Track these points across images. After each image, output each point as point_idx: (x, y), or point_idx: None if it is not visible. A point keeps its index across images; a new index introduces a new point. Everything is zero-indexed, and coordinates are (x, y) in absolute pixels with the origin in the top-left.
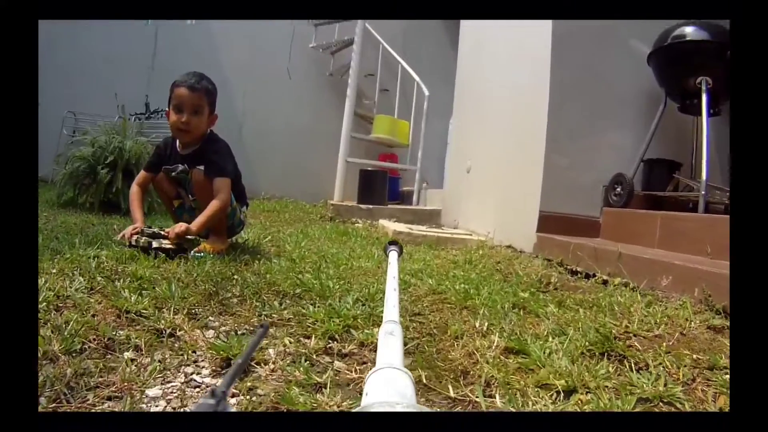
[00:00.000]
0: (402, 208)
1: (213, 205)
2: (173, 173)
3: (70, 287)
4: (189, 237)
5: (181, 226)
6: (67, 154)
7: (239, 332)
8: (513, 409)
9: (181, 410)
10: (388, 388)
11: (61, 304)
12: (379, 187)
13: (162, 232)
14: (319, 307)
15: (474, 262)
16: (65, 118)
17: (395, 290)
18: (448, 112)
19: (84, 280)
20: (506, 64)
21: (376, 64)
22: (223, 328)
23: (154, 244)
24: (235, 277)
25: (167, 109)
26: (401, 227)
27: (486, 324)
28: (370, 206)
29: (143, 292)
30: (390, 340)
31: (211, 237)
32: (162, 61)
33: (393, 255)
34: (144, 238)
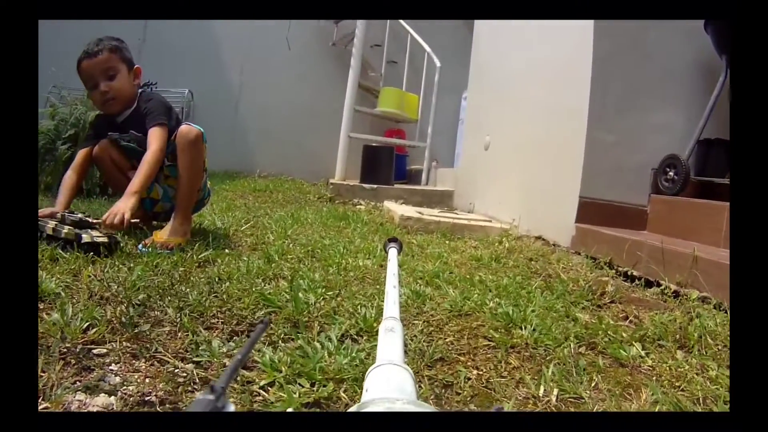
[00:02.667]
0: (410, 189)
1: (147, 156)
2: (122, 142)
3: None
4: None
5: (117, 212)
6: None
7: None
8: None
9: (181, 409)
10: (389, 384)
11: None
12: (385, 164)
13: (89, 220)
14: (283, 347)
15: (502, 259)
16: (49, 96)
17: (395, 287)
18: (460, 86)
19: None
20: (536, 34)
21: (383, 34)
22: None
23: (84, 237)
24: (175, 288)
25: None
26: (410, 211)
27: (554, 393)
28: (375, 186)
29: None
30: (390, 337)
31: (170, 223)
32: (154, 33)
33: (393, 252)
34: (67, 228)
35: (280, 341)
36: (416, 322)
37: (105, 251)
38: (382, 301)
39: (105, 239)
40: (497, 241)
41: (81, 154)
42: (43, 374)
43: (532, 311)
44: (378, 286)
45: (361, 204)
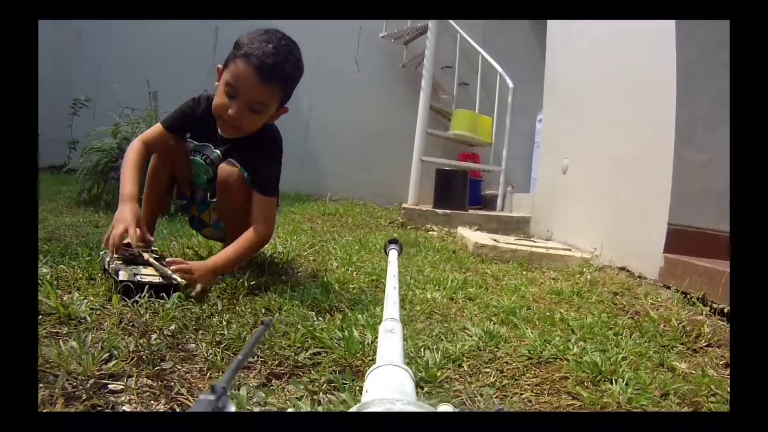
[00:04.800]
0: (485, 215)
1: (255, 237)
2: (201, 156)
3: None
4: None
5: (195, 280)
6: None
7: None
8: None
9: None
10: (388, 385)
11: None
12: (459, 189)
13: (145, 255)
14: (324, 401)
15: (584, 294)
16: (111, 114)
17: (395, 288)
18: (534, 107)
19: None
20: (612, 46)
21: (453, 55)
22: None
23: (140, 278)
24: (214, 319)
25: (220, 66)
26: (484, 238)
27: None
28: (448, 211)
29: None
30: (390, 338)
31: (223, 248)
32: (224, 56)
33: (393, 253)
34: (116, 262)
35: (321, 392)
36: (487, 370)
37: (161, 291)
38: (449, 343)
39: (158, 279)
40: (578, 272)
41: (158, 130)
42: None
43: (623, 359)
44: (446, 324)
45: (433, 230)
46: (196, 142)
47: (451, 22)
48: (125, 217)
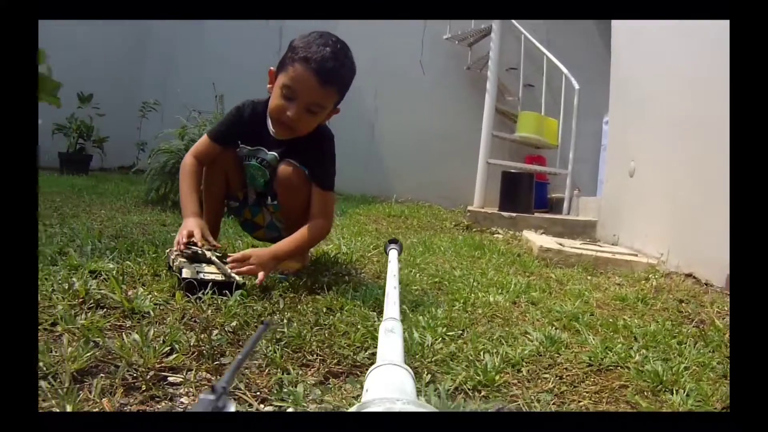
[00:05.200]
0: (550, 218)
1: (315, 230)
2: (256, 160)
3: None
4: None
5: (255, 269)
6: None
7: None
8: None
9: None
10: (389, 384)
11: None
12: (525, 192)
13: (208, 254)
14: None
15: (649, 300)
16: (179, 117)
17: (395, 288)
18: (601, 109)
19: None
20: (679, 46)
21: (517, 56)
22: None
23: (203, 275)
24: (275, 317)
25: (273, 69)
26: (549, 242)
27: None
28: (514, 214)
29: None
30: (390, 338)
31: None
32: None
33: (393, 253)
34: (180, 260)
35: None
36: (546, 376)
37: (223, 289)
38: (510, 347)
39: (220, 277)
40: (643, 278)
41: (207, 143)
42: (100, 400)
43: (685, 369)
44: (508, 328)
45: (498, 233)
46: (249, 147)
47: (515, 22)
48: (190, 225)
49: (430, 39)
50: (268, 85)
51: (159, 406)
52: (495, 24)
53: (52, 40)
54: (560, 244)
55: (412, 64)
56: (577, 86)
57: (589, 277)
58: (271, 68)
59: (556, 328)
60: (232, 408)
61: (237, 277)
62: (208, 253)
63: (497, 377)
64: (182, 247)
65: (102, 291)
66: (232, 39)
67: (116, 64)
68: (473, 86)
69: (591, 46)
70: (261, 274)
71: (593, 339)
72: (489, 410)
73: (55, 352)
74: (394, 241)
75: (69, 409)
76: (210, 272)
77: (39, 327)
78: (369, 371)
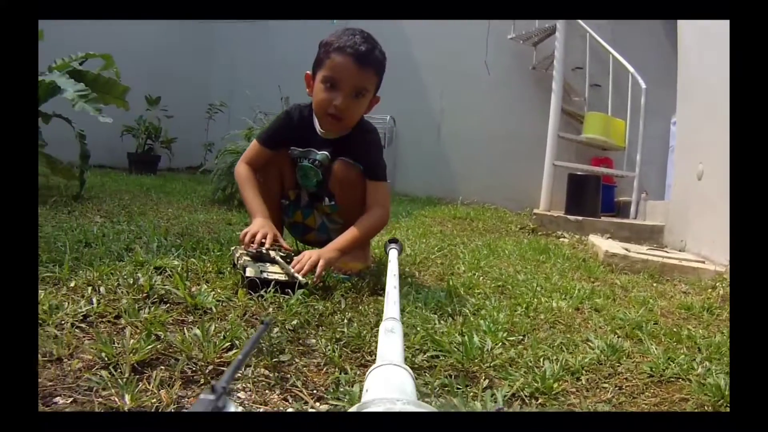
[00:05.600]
0: (617, 222)
1: (374, 218)
2: (307, 160)
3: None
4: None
5: (314, 266)
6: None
7: None
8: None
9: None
10: (388, 384)
11: None
12: (591, 195)
13: (272, 253)
14: (436, 404)
15: (715, 310)
16: (245, 119)
17: (395, 288)
18: (669, 109)
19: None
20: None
21: (583, 55)
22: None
23: (266, 275)
24: (336, 317)
25: (309, 73)
26: (615, 247)
27: None
28: (580, 218)
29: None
30: (390, 338)
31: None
32: None
33: (393, 253)
34: (244, 258)
35: (433, 395)
36: (606, 385)
37: (287, 287)
38: (570, 354)
39: (283, 277)
40: (710, 287)
41: (257, 149)
42: (158, 391)
43: None
44: (569, 335)
45: (564, 237)
46: (300, 149)
47: (580, 21)
48: (261, 225)
49: (495, 39)
50: (307, 90)
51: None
52: (559, 23)
53: (121, 45)
54: (626, 250)
55: (477, 64)
56: (644, 86)
57: (654, 284)
58: (307, 72)
59: (618, 337)
60: (231, 408)
61: (300, 277)
62: (272, 253)
63: (555, 385)
64: (250, 246)
65: (166, 286)
66: (297, 40)
67: (184, 67)
68: (539, 86)
69: (657, 45)
70: (321, 263)
71: (656, 349)
72: (489, 410)
73: (118, 343)
74: (394, 240)
75: (127, 399)
76: (273, 272)
77: (103, 319)
78: (369, 371)
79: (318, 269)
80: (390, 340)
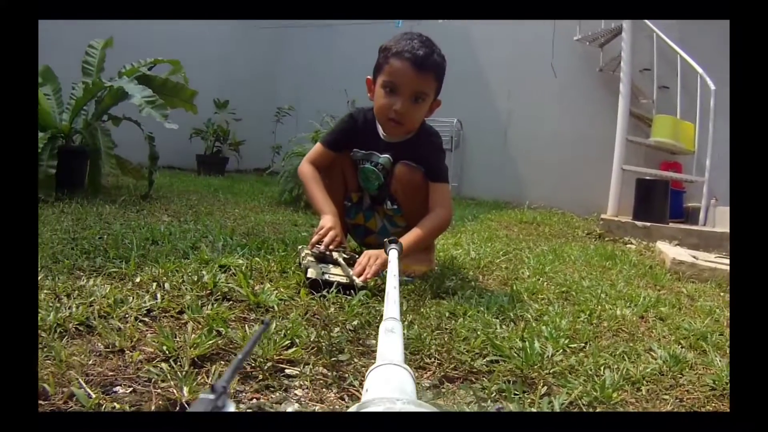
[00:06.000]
0: (685, 229)
1: (437, 219)
2: (369, 163)
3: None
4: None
5: (372, 271)
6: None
7: None
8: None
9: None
10: (389, 384)
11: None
12: (660, 200)
13: (335, 255)
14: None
15: None
16: (312, 122)
17: (396, 288)
18: None
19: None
20: None
21: (650, 56)
22: None
23: (328, 276)
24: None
25: (370, 77)
26: (683, 254)
27: None
28: (648, 224)
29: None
30: (390, 337)
31: (414, 254)
32: None
33: (393, 253)
34: (308, 259)
35: (489, 400)
36: (666, 397)
37: (347, 289)
38: (632, 363)
39: (344, 279)
40: None
41: (321, 151)
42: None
43: None
44: (632, 344)
45: (631, 243)
46: (362, 152)
47: (647, 21)
48: (330, 223)
49: (561, 40)
50: (369, 94)
51: (273, 396)
52: (625, 23)
53: (191, 50)
54: (694, 257)
55: (544, 66)
56: (713, 87)
57: (722, 294)
58: (368, 77)
59: (682, 347)
60: (231, 408)
61: (359, 281)
62: (336, 255)
63: (615, 395)
64: (315, 247)
65: (230, 284)
66: (363, 43)
67: (253, 71)
68: (606, 88)
69: (726, 44)
70: (377, 265)
71: (720, 361)
72: (489, 410)
73: (179, 338)
74: (394, 241)
75: (185, 390)
76: (335, 274)
77: (166, 314)
78: (369, 371)
79: (372, 270)
80: (390, 340)
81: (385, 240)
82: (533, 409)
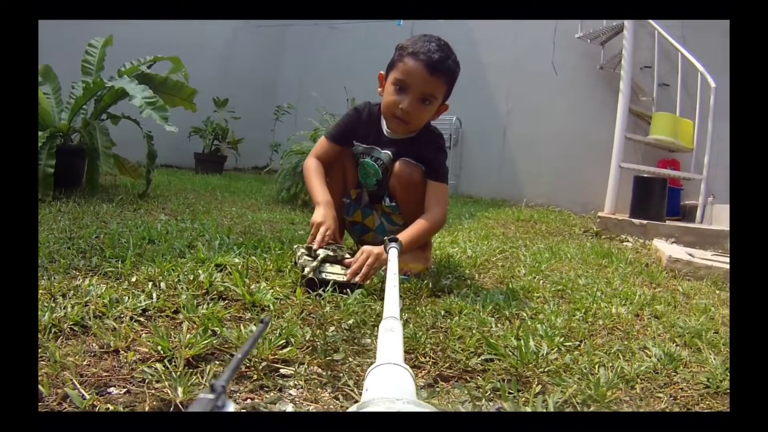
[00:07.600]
0: (682, 226)
1: (429, 220)
2: (369, 158)
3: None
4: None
5: (369, 270)
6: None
7: None
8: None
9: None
10: (388, 383)
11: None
12: (657, 198)
13: (332, 252)
14: (487, 409)
15: None
16: (311, 120)
17: (395, 287)
18: None
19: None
20: None
21: (652, 54)
22: None
23: (325, 275)
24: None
25: (383, 73)
26: (679, 252)
27: None
28: (644, 222)
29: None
30: (390, 337)
31: (411, 252)
32: None
33: (393, 252)
34: (304, 258)
35: (484, 399)
36: (660, 395)
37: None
38: (626, 361)
39: (341, 278)
40: None
41: (326, 144)
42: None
43: None
44: (627, 342)
45: (628, 241)
46: (364, 145)
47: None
48: (322, 215)
49: (562, 38)
50: (379, 89)
51: (267, 396)
52: (627, 21)
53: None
54: (690, 255)
55: (544, 65)
56: (713, 84)
57: (717, 292)
58: (381, 72)
59: (676, 345)
60: (231, 407)
61: (356, 280)
62: (332, 253)
63: (609, 393)
64: (311, 245)
65: (225, 283)
66: (363, 42)
67: (253, 69)
68: (607, 86)
69: (727, 42)
70: (375, 262)
71: (714, 359)
72: (489, 410)
73: (174, 337)
74: (394, 239)
75: (180, 391)
76: (331, 272)
77: (161, 314)
78: (369, 370)
79: (365, 269)
80: (390, 339)
81: (385, 238)
82: (528, 408)
